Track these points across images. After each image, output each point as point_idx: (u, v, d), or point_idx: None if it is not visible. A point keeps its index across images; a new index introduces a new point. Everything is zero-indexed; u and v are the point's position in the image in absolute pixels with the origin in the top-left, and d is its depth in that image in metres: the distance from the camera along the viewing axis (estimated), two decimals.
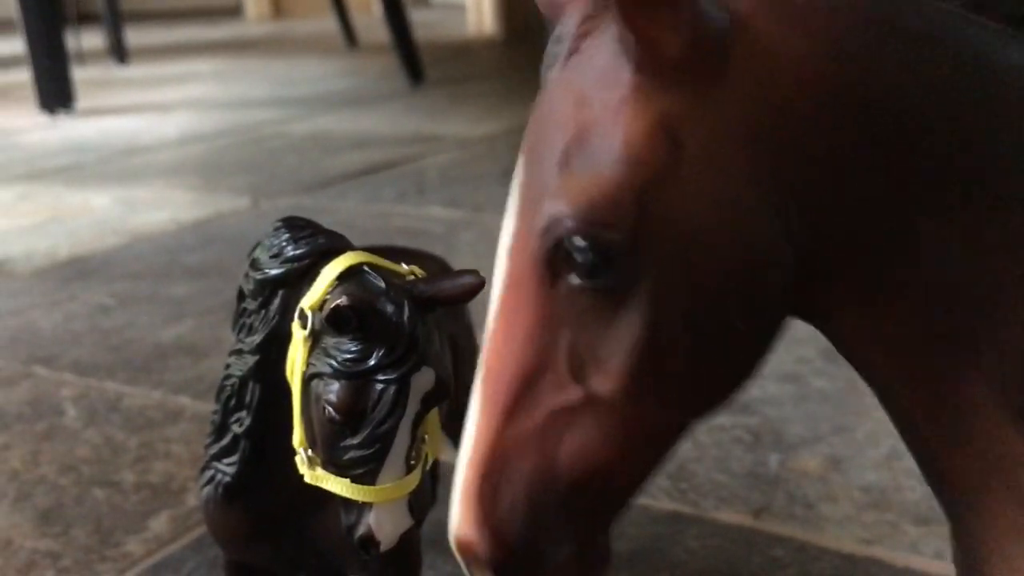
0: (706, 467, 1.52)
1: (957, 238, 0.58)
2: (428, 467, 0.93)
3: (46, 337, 2.20)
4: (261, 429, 0.92)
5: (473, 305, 1.08)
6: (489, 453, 0.60)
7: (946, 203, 0.58)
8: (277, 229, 0.93)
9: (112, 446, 1.70)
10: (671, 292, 0.57)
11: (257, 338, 0.90)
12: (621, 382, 0.58)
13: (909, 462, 1.58)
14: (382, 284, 0.85)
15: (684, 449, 1.56)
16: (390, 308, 0.84)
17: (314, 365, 0.85)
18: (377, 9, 6.84)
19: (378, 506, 0.85)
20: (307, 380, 0.86)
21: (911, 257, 0.59)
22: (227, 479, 0.94)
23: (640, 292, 0.57)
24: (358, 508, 0.85)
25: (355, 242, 0.94)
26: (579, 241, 0.56)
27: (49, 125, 4.86)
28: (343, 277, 0.86)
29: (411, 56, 5.65)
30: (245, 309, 0.93)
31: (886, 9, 0.58)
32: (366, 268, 0.87)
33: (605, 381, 0.58)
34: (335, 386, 0.83)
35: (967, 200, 0.58)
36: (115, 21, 7.24)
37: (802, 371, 1.81)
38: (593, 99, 0.58)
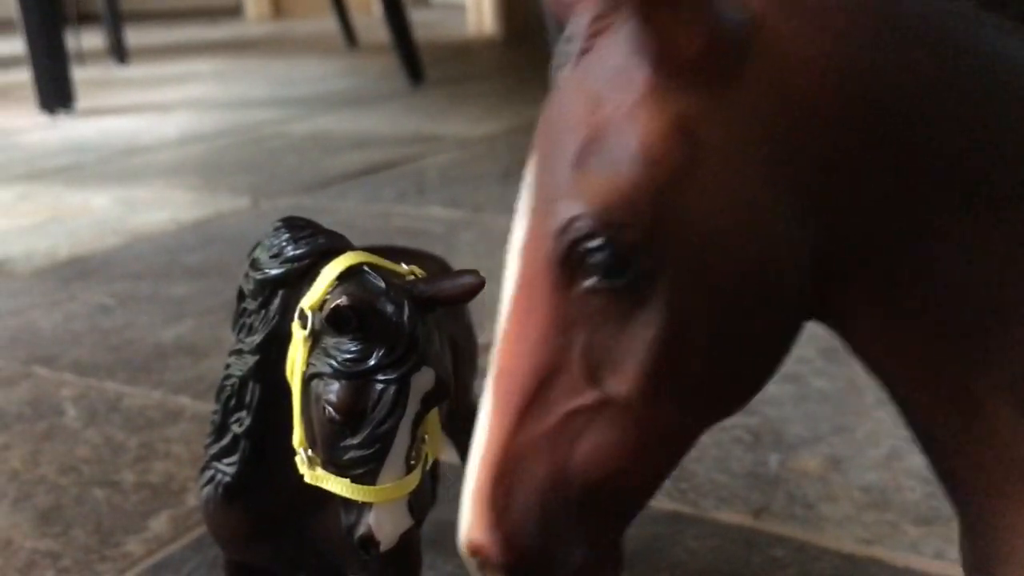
0: (706, 467, 1.52)
1: (970, 238, 0.58)
2: (428, 467, 0.93)
3: (46, 337, 2.20)
4: (261, 429, 0.92)
5: (473, 305, 1.08)
6: (501, 456, 0.59)
7: (959, 203, 0.58)
8: (277, 229, 0.93)
9: (112, 446, 1.70)
10: (688, 293, 0.56)
11: (257, 338, 0.90)
12: (637, 384, 0.57)
13: (909, 462, 1.59)
14: (382, 284, 0.85)
15: None
16: (390, 308, 0.84)
17: (314, 365, 0.85)
18: (377, 9, 6.83)
19: (378, 506, 0.85)
20: (307, 380, 0.86)
21: (924, 257, 0.58)
22: (227, 479, 0.94)
23: (656, 293, 0.56)
24: (358, 508, 0.85)
25: (355, 242, 0.94)
26: (595, 242, 0.56)
27: (49, 125, 4.86)
28: (343, 277, 0.86)
29: (411, 56, 5.65)
30: (245, 309, 0.93)
31: (898, 8, 0.58)
32: (366, 268, 0.87)
33: (621, 383, 0.57)
34: (335, 386, 0.83)
35: (979, 200, 0.58)
36: (115, 21, 7.24)
37: (802, 371, 1.81)
38: (607, 99, 0.57)
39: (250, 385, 0.91)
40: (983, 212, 0.58)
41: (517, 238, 0.61)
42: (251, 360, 0.91)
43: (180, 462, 1.63)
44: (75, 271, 2.65)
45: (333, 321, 0.83)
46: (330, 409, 0.83)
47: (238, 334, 0.93)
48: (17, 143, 4.48)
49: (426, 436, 0.90)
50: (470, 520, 0.60)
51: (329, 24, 8.26)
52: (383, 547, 0.85)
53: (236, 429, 0.93)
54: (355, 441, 0.83)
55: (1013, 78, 0.58)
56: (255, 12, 11.22)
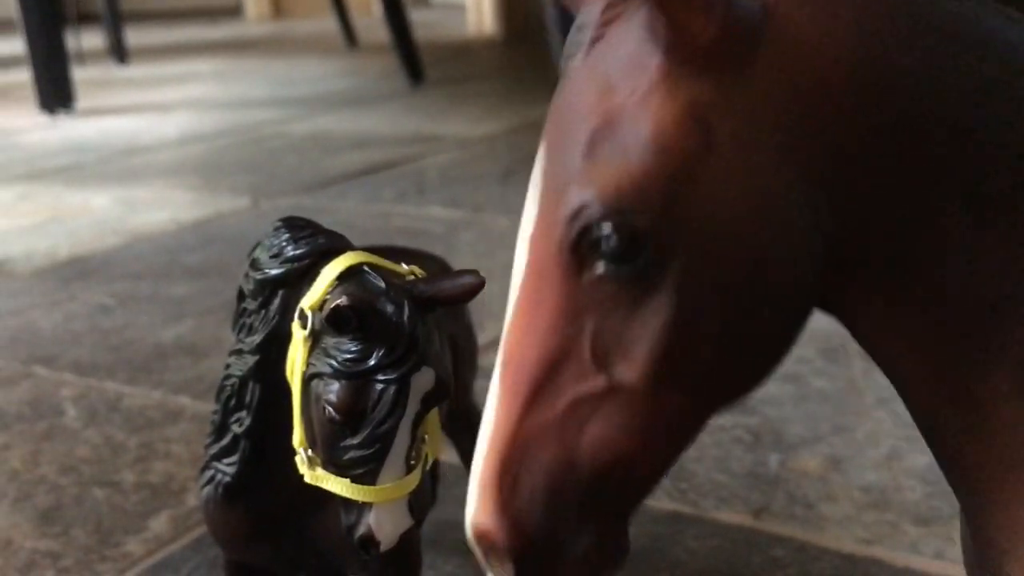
0: (706, 467, 1.52)
1: (974, 233, 0.58)
2: (428, 467, 0.93)
3: (46, 337, 2.20)
4: (261, 429, 0.92)
5: (473, 305, 1.08)
6: (509, 442, 0.59)
7: (970, 194, 0.58)
8: (277, 229, 0.93)
9: (112, 446, 1.70)
10: (698, 280, 0.56)
11: (257, 338, 0.90)
12: (646, 370, 0.57)
13: (909, 462, 1.59)
14: (382, 284, 0.85)
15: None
16: (390, 308, 0.84)
17: (314, 365, 0.85)
18: (377, 9, 6.83)
19: (378, 506, 0.85)
20: (307, 380, 0.86)
21: (936, 249, 0.59)
22: (227, 479, 0.94)
23: (667, 279, 0.56)
24: (358, 508, 0.85)
25: (355, 242, 0.94)
26: (606, 228, 0.56)
27: (49, 125, 4.86)
28: (343, 277, 0.86)
29: (411, 56, 5.65)
30: (245, 309, 0.93)
31: None
32: (366, 268, 0.87)
33: (630, 369, 0.58)
34: (335, 386, 0.83)
35: (991, 192, 0.58)
36: (115, 21, 7.24)
37: (802, 371, 1.81)
38: (620, 86, 0.57)
39: (250, 385, 0.91)
40: (997, 204, 0.58)
41: (526, 226, 0.61)
42: (251, 360, 0.91)
43: (180, 462, 1.63)
44: (75, 271, 2.66)
45: (333, 321, 0.83)
46: (330, 409, 0.83)
47: (238, 334, 0.93)
48: (17, 143, 4.48)
49: (426, 436, 0.90)
50: (477, 505, 0.60)
51: (329, 24, 8.26)
52: (383, 547, 0.85)
53: (236, 429, 0.93)
54: (355, 441, 0.83)
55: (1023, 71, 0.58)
56: (255, 12, 11.23)
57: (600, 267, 0.57)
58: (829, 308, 0.63)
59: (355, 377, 0.83)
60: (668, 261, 0.56)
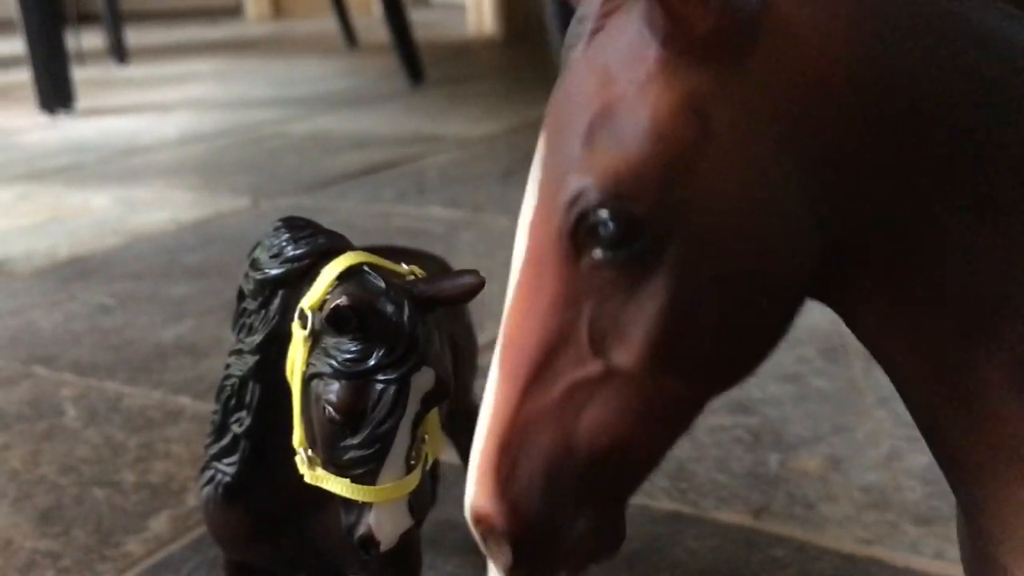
0: (706, 467, 1.52)
1: (982, 229, 0.58)
2: (428, 467, 0.93)
3: (46, 337, 2.20)
4: (261, 429, 0.92)
5: (473, 305, 1.08)
6: (508, 426, 0.60)
7: (970, 194, 0.58)
8: (277, 229, 0.93)
9: (112, 446, 1.70)
10: (694, 267, 0.57)
11: (257, 338, 0.90)
12: (642, 355, 0.58)
13: (909, 462, 1.59)
14: (382, 284, 0.85)
15: (684, 449, 1.56)
16: (390, 308, 0.84)
17: (314, 365, 0.85)
18: (377, 9, 6.84)
19: (378, 506, 0.85)
20: (307, 380, 0.86)
21: (936, 248, 0.59)
22: (227, 479, 0.94)
23: (664, 266, 0.57)
24: (358, 508, 0.85)
25: (355, 242, 0.94)
26: (603, 214, 0.57)
27: (49, 125, 4.87)
28: (343, 277, 0.86)
29: (411, 56, 5.65)
30: (245, 309, 0.93)
31: None
32: (366, 268, 0.87)
33: (626, 354, 0.58)
34: (335, 386, 0.83)
35: (991, 191, 0.58)
36: (115, 21, 7.24)
37: (802, 371, 1.81)
38: (619, 76, 0.58)
39: (250, 385, 0.91)
40: (989, 207, 0.58)
41: (526, 214, 0.61)
42: (251, 360, 0.91)
43: (180, 462, 1.63)
44: (75, 271, 2.66)
45: (333, 321, 0.83)
46: (330, 409, 0.83)
47: (238, 334, 0.93)
48: (17, 143, 4.48)
49: (426, 436, 0.90)
50: (475, 489, 0.60)
51: (329, 24, 8.26)
52: (383, 547, 0.86)
53: (236, 429, 0.93)
54: (355, 441, 0.83)
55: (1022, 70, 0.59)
56: (255, 12, 11.23)
57: (598, 253, 0.58)
58: (831, 304, 0.64)
59: (355, 377, 0.83)
60: (665, 248, 0.57)
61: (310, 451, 0.87)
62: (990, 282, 0.59)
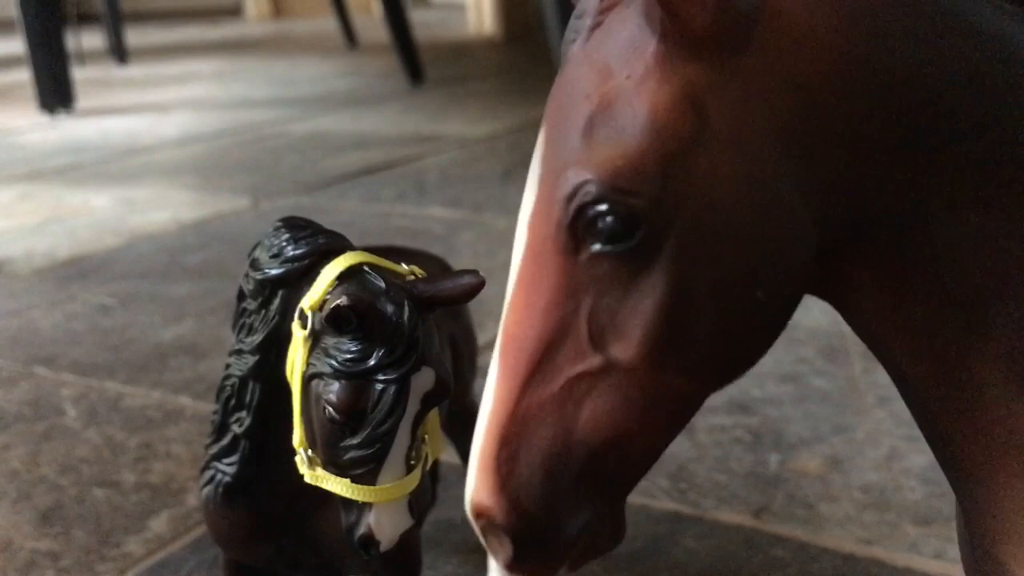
0: (706, 467, 1.52)
1: (973, 218, 0.59)
2: (428, 467, 0.93)
3: (46, 337, 2.20)
4: (261, 429, 0.92)
5: (473, 305, 1.08)
6: (508, 420, 0.60)
7: (964, 185, 0.59)
8: (277, 229, 0.93)
9: (112, 446, 1.70)
10: (692, 260, 0.57)
11: (257, 338, 0.90)
12: (641, 349, 0.58)
13: (909, 462, 1.59)
14: (382, 284, 0.85)
15: (684, 449, 1.56)
16: (390, 308, 0.84)
17: (314, 365, 0.85)
18: (377, 9, 6.84)
19: (378, 506, 0.85)
20: (307, 380, 0.86)
21: (928, 236, 0.59)
22: (227, 479, 0.94)
23: (662, 259, 0.57)
24: (358, 508, 0.85)
25: (355, 242, 0.94)
26: (602, 207, 0.57)
27: (49, 125, 4.87)
28: (343, 277, 0.86)
29: (411, 56, 5.65)
30: (245, 309, 0.93)
31: None
32: (366, 268, 0.87)
33: (625, 348, 0.58)
34: (335, 386, 0.83)
35: (983, 179, 0.59)
36: (115, 21, 7.24)
37: (802, 371, 1.81)
38: (618, 70, 0.58)
39: (250, 385, 0.91)
40: (988, 193, 0.59)
41: (526, 208, 0.61)
42: (251, 360, 0.91)
43: (180, 462, 1.63)
44: (75, 271, 2.66)
45: (333, 321, 0.83)
46: (330, 409, 0.83)
47: (238, 334, 0.93)
48: (17, 143, 4.48)
49: (426, 436, 0.90)
50: (475, 483, 0.61)
51: (329, 24, 8.27)
52: (383, 547, 0.86)
53: (236, 429, 0.93)
54: (355, 441, 0.83)
55: (1017, 62, 0.59)
56: (255, 12, 11.23)
57: (597, 246, 0.58)
58: (830, 300, 0.64)
59: (355, 377, 0.83)
60: (663, 241, 0.57)
61: (310, 451, 0.87)
62: (988, 277, 0.59)
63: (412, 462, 0.87)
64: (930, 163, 0.58)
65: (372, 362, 0.83)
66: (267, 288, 0.90)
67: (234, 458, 0.94)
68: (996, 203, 0.59)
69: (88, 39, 7.24)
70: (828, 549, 1.32)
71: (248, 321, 0.92)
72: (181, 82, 6.23)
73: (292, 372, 0.87)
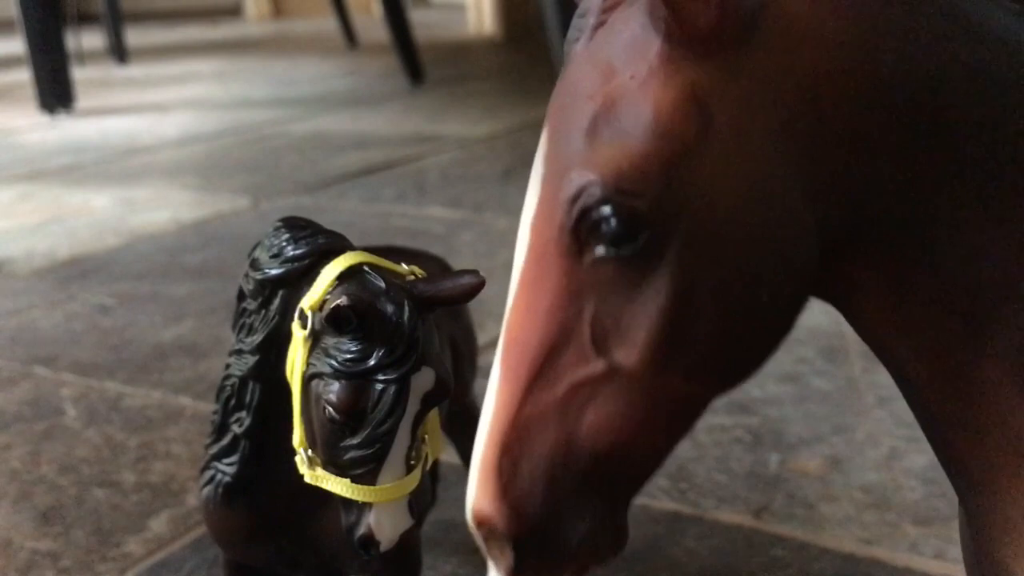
0: (706, 467, 1.52)
1: (976, 219, 0.59)
2: (428, 467, 0.93)
3: (46, 337, 2.20)
4: (261, 429, 0.92)
5: (473, 305, 1.08)
6: (509, 426, 0.59)
7: (968, 185, 0.58)
8: (277, 229, 0.93)
9: (112, 446, 1.70)
10: (697, 263, 0.57)
11: (257, 338, 0.90)
12: (645, 354, 0.57)
13: (909, 462, 1.59)
14: (382, 284, 0.85)
15: (684, 449, 1.56)
16: (390, 308, 0.84)
17: (314, 365, 0.85)
18: (377, 9, 6.83)
19: (378, 506, 0.85)
20: (307, 380, 0.86)
21: (931, 237, 0.59)
22: (227, 479, 0.94)
23: (666, 262, 0.57)
24: (358, 508, 0.85)
25: (355, 242, 0.94)
26: (606, 210, 0.56)
27: (49, 125, 4.87)
28: (343, 277, 0.86)
29: (411, 56, 5.65)
30: (245, 309, 0.93)
31: None
32: (366, 268, 0.87)
33: (629, 353, 0.58)
34: (335, 386, 0.83)
35: (986, 180, 0.58)
36: (115, 21, 7.24)
37: (802, 371, 1.81)
38: (621, 70, 0.58)
39: (250, 385, 0.91)
40: (993, 194, 0.58)
41: (528, 210, 0.61)
42: (251, 360, 0.91)
43: (180, 462, 1.63)
44: (75, 271, 2.66)
45: (333, 321, 0.83)
46: (330, 409, 0.83)
47: (238, 334, 0.93)
48: (17, 143, 4.48)
49: (426, 436, 0.90)
50: (477, 490, 0.60)
51: (329, 24, 8.27)
52: (383, 547, 0.85)
53: (236, 429, 0.93)
54: (355, 441, 0.83)
55: (1022, 63, 0.59)
56: (255, 12, 11.23)
57: (600, 249, 0.57)
58: (832, 301, 0.64)
59: (355, 377, 0.83)
60: (667, 244, 0.57)
61: (310, 451, 0.87)
62: (992, 278, 0.59)
63: (412, 462, 0.87)
64: (932, 163, 0.58)
65: (372, 362, 0.83)
66: (267, 288, 0.90)
67: (234, 458, 0.94)
68: (1000, 204, 0.58)
69: (88, 39, 7.24)
70: (828, 549, 1.32)
71: (248, 321, 0.92)
72: (181, 82, 6.23)
73: (292, 372, 0.87)
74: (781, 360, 1.84)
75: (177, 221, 3.08)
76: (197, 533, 1.42)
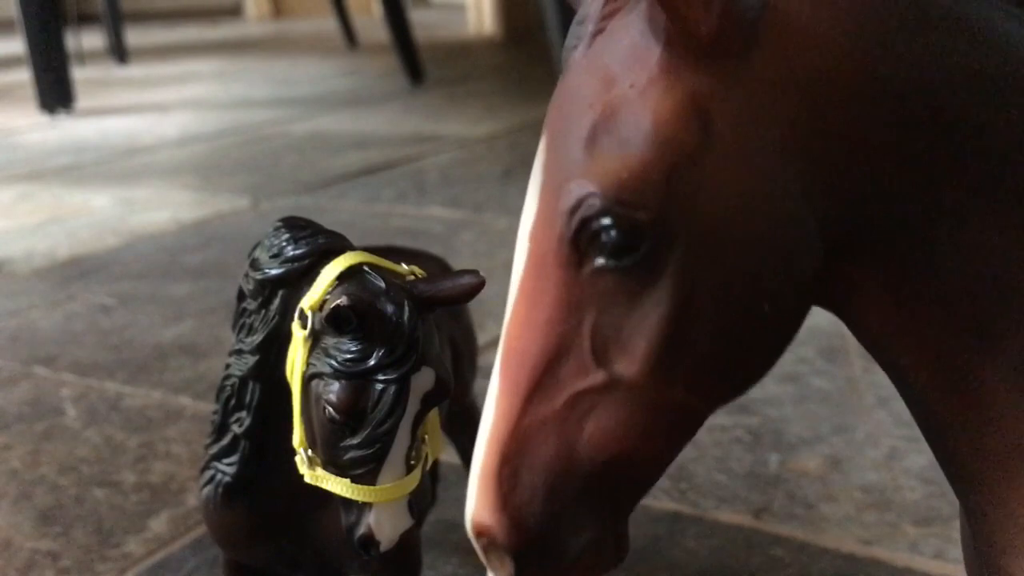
0: (706, 467, 1.52)
1: (978, 223, 0.58)
2: (428, 467, 0.93)
3: (46, 337, 2.20)
4: (261, 429, 0.92)
5: (473, 305, 1.08)
6: (509, 437, 0.59)
7: (969, 188, 0.58)
8: (277, 229, 0.93)
9: (112, 446, 1.70)
10: (698, 273, 0.56)
11: (257, 338, 0.90)
12: (645, 365, 0.57)
13: (909, 462, 1.59)
14: (382, 284, 0.85)
15: (684, 449, 1.56)
16: (390, 308, 0.84)
17: (314, 365, 0.85)
18: (377, 9, 6.83)
19: (378, 506, 0.85)
20: (307, 380, 0.86)
21: (933, 241, 0.59)
22: (227, 479, 0.94)
23: (667, 273, 0.56)
24: (358, 508, 0.85)
25: (355, 242, 0.94)
26: (606, 220, 0.56)
27: (49, 125, 4.86)
28: (343, 277, 0.86)
29: (411, 56, 5.65)
30: (245, 309, 0.93)
31: None
32: (366, 268, 0.87)
33: (629, 364, 0.57)
34: (335, 386, 0.83)
35: (988, 184, 0.58)
36: (115, 21, 7.24)
37: (802, 371, 1.81)
38: (621, 78, 0.58)
39: (250, 385, 0.91)
40: (996, 198, 0.58)
41: (527, 219, 0.60)
42: (251, 360, 0.91)
43: (180, 462, 1.63)
44: (75, 271, 2.66)
45: (333, 321, 0.83)
46: (330, 409, 0.83)
47: (238, 334, 0.93)
48: (17, 143, 4.48)
49: (426, 436, 0.90)
50: (477, 501, 0.60)
51: (329, 24, 8.27)
52: (383, 547, 0.85)
53: (236, 429, 0.93)
54: (355, 441, 0.83)
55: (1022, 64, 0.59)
56: (255, 12, 11.23)
57: (600, 260, 0.57)
58: (832, 307, 0.63)
59: (355, 377, 0.83)
60: (667, 254, 0.56)
61: (310, 451, 0.87)
62: (995, 282, 0.59)
63: (412, 462, 0.87)
64: (933, 165, 0.58)
65: (372, 362, 0.83)
66: (267, 288, 0.90)
67: (234, 458, 0.94)
68: (1002, 208, 0.58)
69: (88, 39, 7.24)
70: (828, 549, 1.32)
71: (248, 321, 0.92)
72: (181, 82, 6.23)
73: (292, 372, 0.87)
74: (781, 360, 1.83)
75: (177, 221, 3.08)
76: (197, 533, 1.42)
